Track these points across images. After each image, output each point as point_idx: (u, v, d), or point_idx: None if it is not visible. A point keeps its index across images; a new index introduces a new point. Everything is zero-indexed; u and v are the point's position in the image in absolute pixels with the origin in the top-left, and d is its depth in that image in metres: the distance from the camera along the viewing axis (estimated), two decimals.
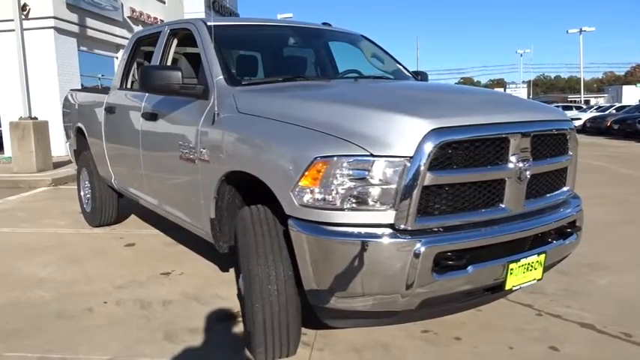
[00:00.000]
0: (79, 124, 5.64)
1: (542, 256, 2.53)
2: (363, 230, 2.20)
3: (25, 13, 13.37)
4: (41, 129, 9.96)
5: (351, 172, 2.18)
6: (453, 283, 2.29)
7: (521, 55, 64.41)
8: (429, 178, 2.18)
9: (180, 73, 3.10)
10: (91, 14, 15.36)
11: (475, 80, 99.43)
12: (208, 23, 3.49)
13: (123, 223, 5.95)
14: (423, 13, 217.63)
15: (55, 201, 7.55)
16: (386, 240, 2.17)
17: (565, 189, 2.84)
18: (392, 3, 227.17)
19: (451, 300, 2.41)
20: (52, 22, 13.41)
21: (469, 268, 2.29)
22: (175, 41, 3.92)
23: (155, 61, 3.94)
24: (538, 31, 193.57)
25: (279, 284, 2.43)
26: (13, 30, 10.57)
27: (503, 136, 2.36)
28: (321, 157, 2.21)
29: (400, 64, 4.12)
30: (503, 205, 2.44)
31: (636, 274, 4.03)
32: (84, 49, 15.34)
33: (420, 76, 4.18)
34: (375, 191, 2.19)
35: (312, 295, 2.35)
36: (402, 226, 2.20)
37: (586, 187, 5.31)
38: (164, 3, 22.11)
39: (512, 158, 2.39)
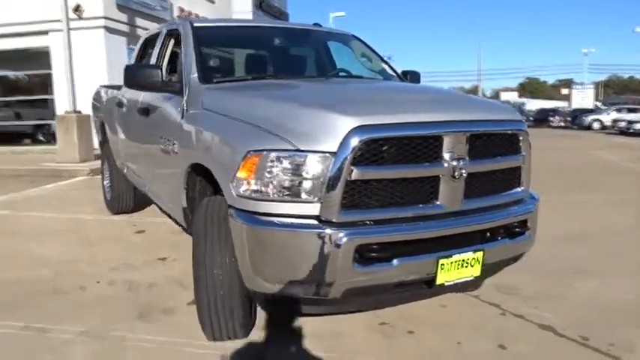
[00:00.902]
0: (102, 118, 6.04)
1: (480, 253, 2.57)
2: (290, 221, 2.34)
3: (78, 13, 14.24)
4: (84, 122, 10.61)
5: (279, 166, 2.33)
6: (377, 275, 2.38)
7: (586, 54, 61.76)
8: (353, 173, 2.29)
9: (159, 71, 3.33)
10: (140, 14, 16.08)
11: (541, 80, 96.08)
12: (194, 24, 3.71)
13: (141, 211, 6.30)
14: (488, 13, 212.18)
15: (88, 190, 8.05)
16: (309, 231, 2.30)
17: (518, 189, 2.86)
18: (453, 1, 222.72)
19: (380, 291, 2.49)
20: (102, 22, 14.16)
21: (394, 261, 2.39)
22: (172, 41, 4.17)
23: (153, 59, 4.20)
24: (605, 30, 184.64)
25: (223, 269, 2.61)
26: (69, 29, 11.33)
27: (435, 134, 2.44)
28: (254, 150, 2.37)
29: (387, 63, 4.19)
30: (438, 202, 2.51)
31: (623, 281, 3.93)
32: (133, 47, 16.07)
33: (409, 75, 4.22)
34: (301, 184, 2.32)
35: (247, 280, 2.51)
36: (328, 218, 2.32)
37: None
38: (213, 2, 22.73)
39: (446, 156, 2.46)
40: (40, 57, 14.70)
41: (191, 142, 3.00)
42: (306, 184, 2.32)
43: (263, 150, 2.35)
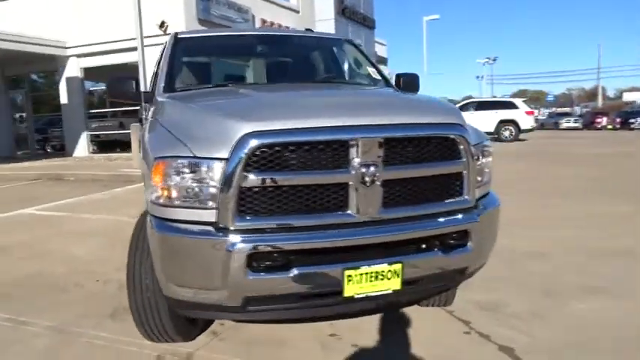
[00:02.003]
0: None
1: (397, 265, 2.40)
2: (190, 227, 2.36)
3: (163, 29, 15.32)
4: None
5: (179, 172, 2.35)
6: (273, 284, 2.32)
7: None
8: (247, 180, 2.25)
9: (132, 82, 3.49)
10: (221, 27, 16.91)
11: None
12: (179, 35, 3.85)
13: None
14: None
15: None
16: (203, 237, 2.30)
17: (461, 198, 2.63)
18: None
19: (286, 301, 2.42)
20: None
21: (293, 270, 2.31)
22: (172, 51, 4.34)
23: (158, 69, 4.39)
24: None
25: (147, 274, 2.68)
26: (155, 45, 12.25)
27: (339, 139, 2.32)
28: (160, 157, 2.41)
29: (377, 68, 4.04)
30: (348, 211, 2.39)
31: (634, 303, 3.46)
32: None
33: (402, 79, 3.98)
34: (198, 190, 2.33)
35: (162, 287, 2.55)
36: (224, 225, 2.30)
37: None
38: (298, 12, 23.30)
39: (354, 163, 2.33)
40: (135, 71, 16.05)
41: (141, 152, 3.12)
42: (203, 191, 2.32)
43: (166, 157, 2.39)
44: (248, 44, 4.16)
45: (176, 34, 3.94)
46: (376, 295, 2.42)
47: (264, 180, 2.28)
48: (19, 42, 15.72)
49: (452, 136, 2.54)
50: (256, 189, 2.30)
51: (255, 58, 4.23)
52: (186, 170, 2.33)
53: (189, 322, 2.92)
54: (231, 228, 2.30)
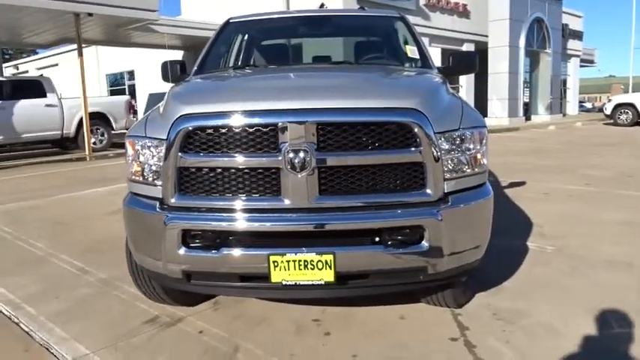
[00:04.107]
0: None
1: (328, 256, 2.30)
2: (143, 200, 2.59)
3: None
4: None
5: (136, 150, 2.58)
6: (205, 261, 2.42)
7: None
8: (181, 160, 2.39)
9: (177, 66, 3.80)
10: (381, 6, 16.88)
11: None
12: (230, 20, 4.07)
13: None
14: None
15: None
16: (146, 211, 2.51)
17: (418, 191, 2.38)
18: None
19: (227, 279, 2.49)
20: None
21: (223, 250, 2.38)
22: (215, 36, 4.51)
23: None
24: None
25: None
26: None
27: (268, 123, 2.29)
28: (128, 136, 2.67)
29: (421, 48, 3.72)
30: (281, 197, 2.36)
31: None
32: None
33: (452, 58, 3.61)
34: (147, 168, 2.54)
35: (134, 256, 2.81)
36: (167, 202, 2.47)
37: None
38: None
39: (283, 148, 2.29)
40: None
41: None
42: (150, 169, 2.52)
43: (130, 136, 2.64)
44: (290, 26, 4.20)
45: (228, 19, 4.15)
46: (307, 284, 2.36)
47: (197, 161, 2.38)
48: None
49: (402, 122, 2.31)
50: (192, 169, 2.41)
51: (296, 39, 4.24)
52: (139, 149, 2.55)
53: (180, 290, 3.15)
54: (171, 205, 2.45)
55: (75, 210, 6.55)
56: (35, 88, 13.30)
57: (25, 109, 12.76)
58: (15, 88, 13.10)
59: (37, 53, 34.73)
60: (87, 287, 3.70)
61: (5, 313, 3.31)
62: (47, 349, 2.80)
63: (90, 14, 12.29)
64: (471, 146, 2.51)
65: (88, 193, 7.82)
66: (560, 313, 3.05)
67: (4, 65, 21.91)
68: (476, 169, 2.55)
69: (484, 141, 2.60)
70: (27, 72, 31.23)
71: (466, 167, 2.50)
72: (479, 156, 2.56)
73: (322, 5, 16.91)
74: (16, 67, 32.81)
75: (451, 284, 2.83)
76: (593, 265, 3.88)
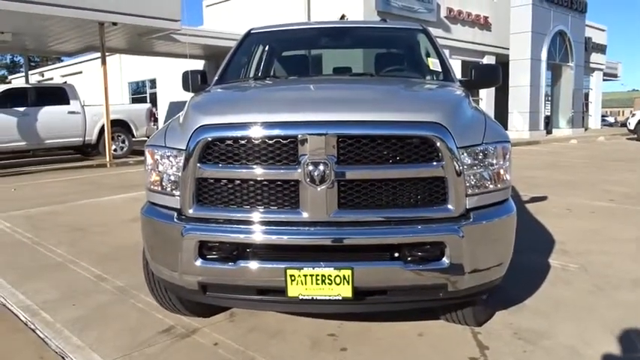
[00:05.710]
0: None
1: (346, 271, 2.26)
2: (161, 211, 2.58)
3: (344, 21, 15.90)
4: None
5: (156, 161, 2.58)
6: (221, 273, 2.39)
7: None
8: (200, 171, 2.37)
9: (197, 76, 3.81)
10: (402, 19, 16.85)
11: None
12: (252, 31, 4.08)
13: None
14: None
15: None
16: (163, 221, 2.50)
17: (440, 207, 2.33)
18: None
19: (244, 292, 2.45)
20: None
21: (239, 262, 2.35)
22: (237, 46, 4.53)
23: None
24: None
25: None
26: None
27: (288, 135, 2.27)
28: (147, 145, 2.67)
29: (442, 59, 3.67)
30: (300, 210, 2.33)
31: None
32: None
33: (474, 71, 3.55)
34: (165, 178, 2.53)
35: (148, 262, 2.80)
36: (184, 212, 2.46)
37: None
38: None
39: (302, 160, 2.26)
40: None
41: None
42: (169, 179, 2.51)
43: (149, 145, 2.64)
44: (311, 37, 4.19)
45: (250, 30, 4.16)
46: (324, 299, 2.32)
47: (216, 172, 2.37)
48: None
49: (425, 136, 2.27)
50: (211, 180, 2.40)
51: (317, 50, 4.23)
52: (158, 158, 2.54)
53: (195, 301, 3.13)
54: (189, 216, 2.44)
55: (94, 216, 6.60)
56: (59, 95, 13.50)
57: (48, 115, 12.95)
58: (39, 95, 13.31)
59: (62, 61, 35.41)
60: (104, 294, 3.70)
61: (22, 319, 3.32)
62: (62, 357, 2.79)
63: (114, 23, 12.48)
64: (494, 161, 2.46)
65: (107, 200, 7.89)
66: (582, 333, 2.96)
67: (30, 72, 22.34)
68: (499, 185, 2.50)
69: (507, 156, 2.54)
70: (52, 79, 31.81)
71: (489, 183, 2.45)
72: (502, 171, 2.50)
73: (343, 17, 17.02)
74: (41, 74, 33.45)
75: (471, 302, 2.76)
76: (617, 284, 3.77)
